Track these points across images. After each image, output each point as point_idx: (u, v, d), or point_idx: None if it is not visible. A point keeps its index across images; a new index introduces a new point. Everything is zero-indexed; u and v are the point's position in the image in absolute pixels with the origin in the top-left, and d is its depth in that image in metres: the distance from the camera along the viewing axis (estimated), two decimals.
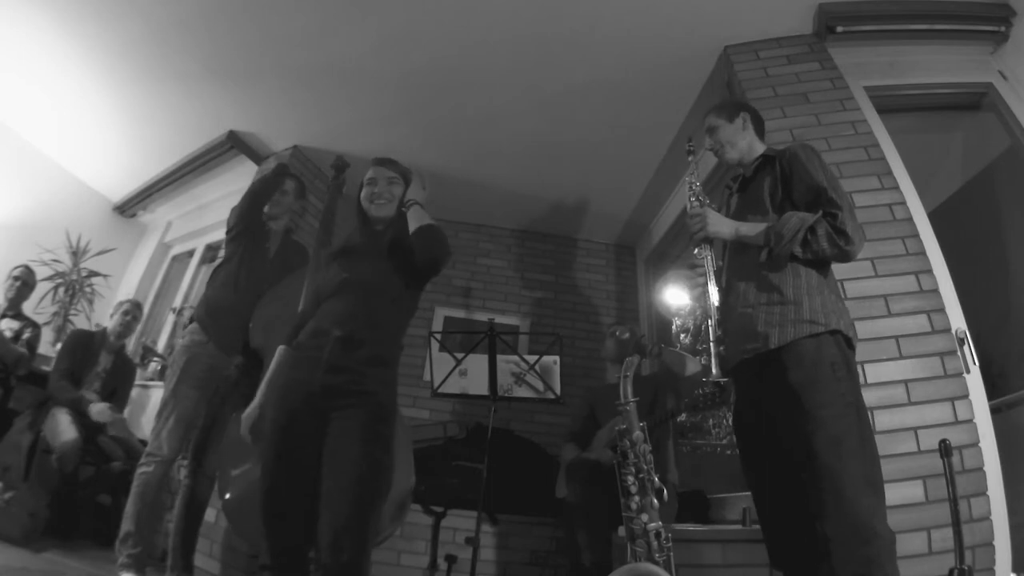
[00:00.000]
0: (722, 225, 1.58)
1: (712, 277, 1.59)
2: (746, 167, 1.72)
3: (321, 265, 1.80)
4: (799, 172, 1.53)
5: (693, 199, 1.69)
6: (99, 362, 3.09)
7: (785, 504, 1.35)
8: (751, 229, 1.54)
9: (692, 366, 2.56)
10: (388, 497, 1.52)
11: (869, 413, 1.48)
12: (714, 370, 1.49)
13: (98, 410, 2.85)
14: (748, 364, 1.47)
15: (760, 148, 1.73)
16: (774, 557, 1.43)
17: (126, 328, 3.21)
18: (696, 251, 1.63)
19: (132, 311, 3.23)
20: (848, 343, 1.42)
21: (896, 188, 2.17)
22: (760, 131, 1.78)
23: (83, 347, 3.06)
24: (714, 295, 1.57)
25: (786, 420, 1.34)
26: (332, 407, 1.52)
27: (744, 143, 1.73)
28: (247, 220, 2.44)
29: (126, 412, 3.26)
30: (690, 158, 1.79)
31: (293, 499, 1.47)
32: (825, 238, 1.41)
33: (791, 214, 1.47)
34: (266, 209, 2.53)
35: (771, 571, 1.57)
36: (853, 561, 1.19)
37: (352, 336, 1.57)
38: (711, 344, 1.51)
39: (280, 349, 1.71)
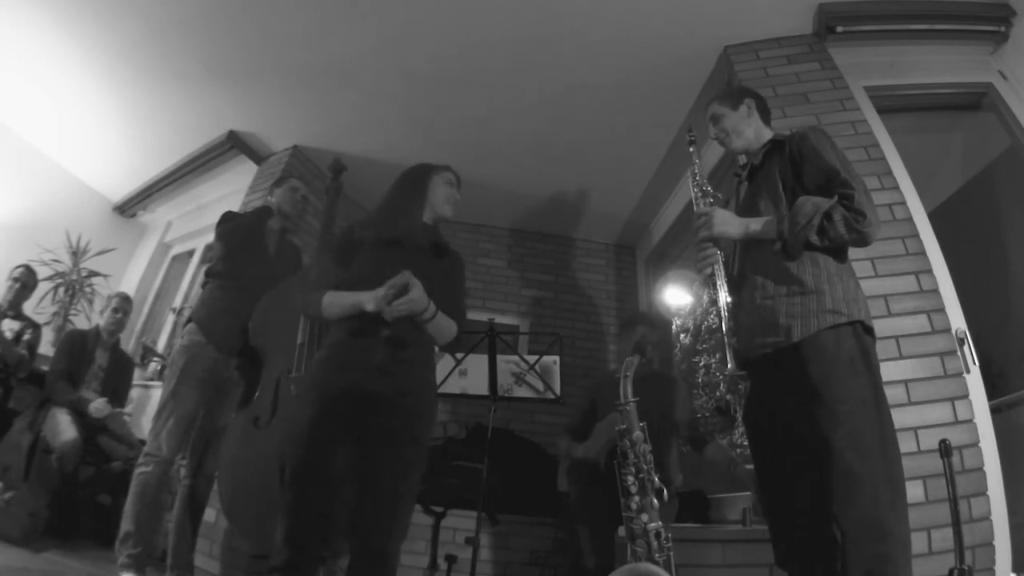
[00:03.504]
0: (729, 225, 1.52)
1: (721, 271, 1.53)
2: (754, 154, 1.67)
3: (348, 250, 1.71)
4: (810, 155, 1.48)
5: (696, 191, 1.64)
6: (95, 360, 3.09)
7: (796, 501, 1.32)
8: (761, 224, 1.48)
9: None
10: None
11: None
12: (729, 364, 1.45)
13: (95, 407, 2.85)
14: (763, 358, 1.43)
15: (767, 134, 1.68)
16: (780, 556, 1.41)
17: (117, 324, 3.20)
18: (702, 257, 1.56)
19: (121, 306, 3.22)
20: (869, 332, 1.39)
21: (896, 188, 2.17)
22: (766, 117, 1.72)
23: (79, 347, 3.06)
24: (723, 289, 1.52)
25: (804, 415, 1.30)
26: (375, 410, 1.50)
27: (750, 131, 1.67)
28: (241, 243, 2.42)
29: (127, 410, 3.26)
30: (691, 149, 1.72)
31: (322, 500, 1.44)
32: (842, 223, 1.35)
33: (805, 199, 1.41)
34: (287, 209, 2.55)
35: (771, 571, 1.56)
36: (866, 559, 1.17)
37: (401, 337, 1.54)
38: (724, 337, 1.47)
39: (324, 295, 1.61)
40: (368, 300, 1.52)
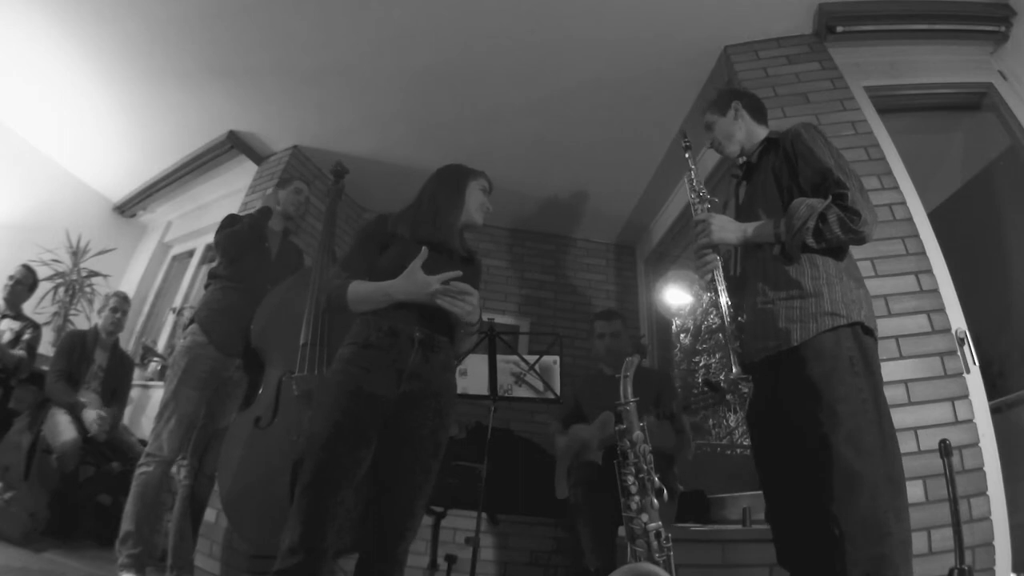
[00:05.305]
0: (727, 231, 1.52)
1: (721, 276, 1.53)
2: (749, 154, 1.67)
3: (377, 240, 1.66)
4: (803, 154, 1.48)
5: (694, 196, 1.63)
6: (95, 360, 3.08)
7: (797, 501, 1.33)
8: (759, 228, 1.48)
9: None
10: None
11: None
12: (734, 368, 1.45)
13: (90, 420, 2.80)
14: (765, 361, 1.43)
15: (761, 133, 1.67)
16: (781, 556, 1.41)
17: (116, 324, 3.19)
18: (703, 263, 1.55)
19: (120, 306, 3.21)
20: (869, 332, 1.38)
21: (896, 188, 2.17)
22: (758, 116, 1.72)
23: (78, 348, 3.05)
24: (724, 294, 1.51)
25: (804, 416, 1.31)
26: (403, 413, 1.49)
27: (741, 133, 1.68)
28: (238, 253, 2.42)
29: (127, 412, 3.26)
30: (687, 155, 1.72)
31: (345, 503, 1.41)
32: (837, 224, 1.35)
33: (799, 201, 1.41)
34: (290, 210, 2.57)
35: (771, 571, 1.56)
36: (865, 560, 1.17)
37: (432, 340, 1.54)
38: (727, 342, 1.46)
39: (350, 284, 1.54)
40: (402, 289, 1.48)
